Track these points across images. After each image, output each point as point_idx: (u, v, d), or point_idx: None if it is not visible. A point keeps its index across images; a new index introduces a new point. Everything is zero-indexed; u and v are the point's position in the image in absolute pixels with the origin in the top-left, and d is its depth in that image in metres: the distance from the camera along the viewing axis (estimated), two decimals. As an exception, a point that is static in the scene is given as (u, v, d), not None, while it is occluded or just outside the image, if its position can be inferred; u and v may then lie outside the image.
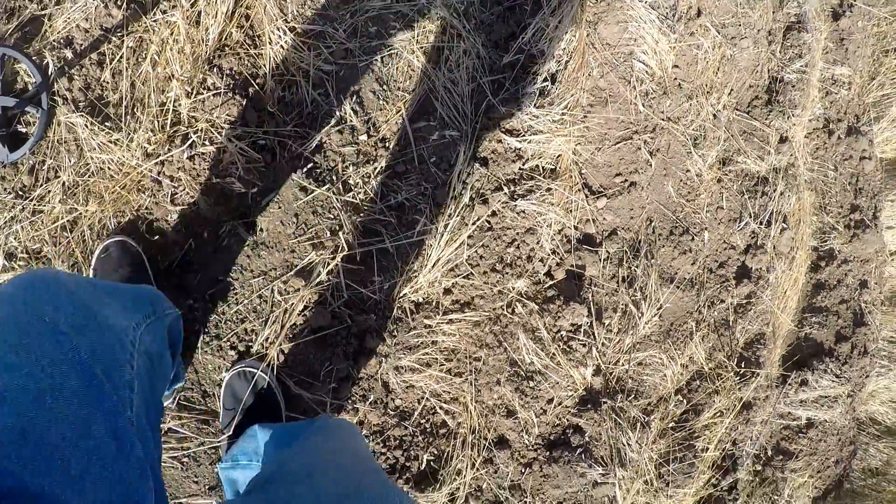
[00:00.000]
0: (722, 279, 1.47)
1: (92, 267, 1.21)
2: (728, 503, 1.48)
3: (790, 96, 1.69)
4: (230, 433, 1.12)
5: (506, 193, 1.21)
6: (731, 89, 1.58)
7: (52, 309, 0.55)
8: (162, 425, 1.18)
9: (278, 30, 1.29)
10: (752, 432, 1.53)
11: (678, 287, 1.39)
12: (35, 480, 0.41)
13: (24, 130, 1.36)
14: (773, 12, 1.75)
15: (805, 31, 1.81)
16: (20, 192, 1.36)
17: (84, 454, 0.46)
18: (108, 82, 1.36)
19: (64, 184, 1.33)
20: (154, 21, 1.33)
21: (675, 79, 1.47)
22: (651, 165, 1.36)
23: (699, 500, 1.46)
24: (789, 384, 1.66)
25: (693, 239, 1.43)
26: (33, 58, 1.33)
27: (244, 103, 1.25)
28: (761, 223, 1.54)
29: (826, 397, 1.77)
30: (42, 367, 0.49)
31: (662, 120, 1.40)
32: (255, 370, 1.17)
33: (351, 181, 1.22)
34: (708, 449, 1.43)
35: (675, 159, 1.42)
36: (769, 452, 1.59)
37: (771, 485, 1.57)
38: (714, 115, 1.51)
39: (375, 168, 1.22)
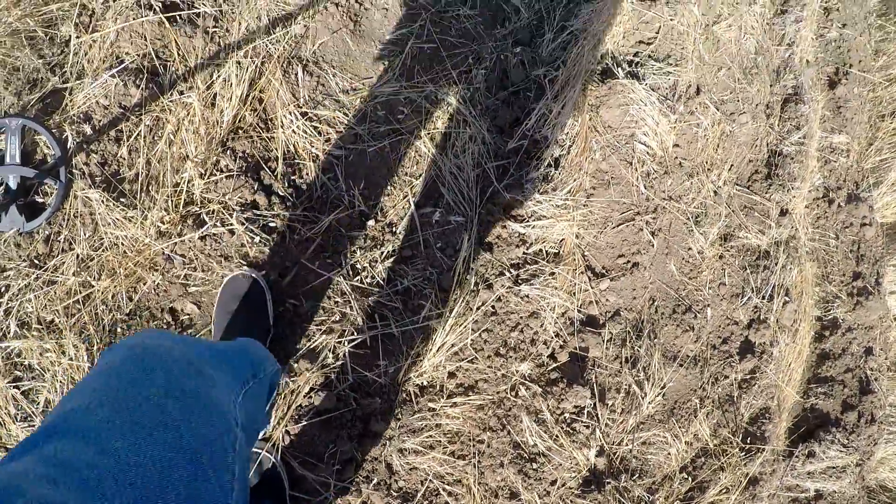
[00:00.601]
0: (725, 355, 1.48)
1: (219, 294, 1.22)
2: (736, 588, 1.45)
3: (789, 169, 1.72)
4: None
5: (510, 278, 1.23)
6: (731, 165, 1.61)
7: (160, 390, 0.54)
8: None
9: (290, 114, 1.34)
10: (758, 510, 1.50)
11: (681, 365, 1.39)
12: None
13: (41, 200, 1.40)
14: (771, 86, 1.80)
15: (802, 102, 1.86)
16: (35, 261, 1.39)
17: None
18: (124, 159, 1.40)
19: (78, 256, 1.36)
20: (171, 101, 1.38)
21: (676, 158, 1.50)
22: (653, 245, 1.39)
23: (706, 586, 1.43)
24: (796, 456, 1.65)
25: (696, 316, 1.44)
26: (53, 131, 1.38)
27: (255, 186, 1.29)
28: (764, 297, 1.56)
29: (834, 468, 1.74)
30: (150, 456, 0.48)
31: (664, 200, 1.43)
32: (260, 451, 1.18)
33: (358, 265, 1.25)
34: (714, 529, 1.41)
35: (677, 238, 1.44)
36: (777, 530, 1.56)
37: (779, 565, 1.54)
38: (715, 192, 1.54)
39: (382, 252, 1.25)
